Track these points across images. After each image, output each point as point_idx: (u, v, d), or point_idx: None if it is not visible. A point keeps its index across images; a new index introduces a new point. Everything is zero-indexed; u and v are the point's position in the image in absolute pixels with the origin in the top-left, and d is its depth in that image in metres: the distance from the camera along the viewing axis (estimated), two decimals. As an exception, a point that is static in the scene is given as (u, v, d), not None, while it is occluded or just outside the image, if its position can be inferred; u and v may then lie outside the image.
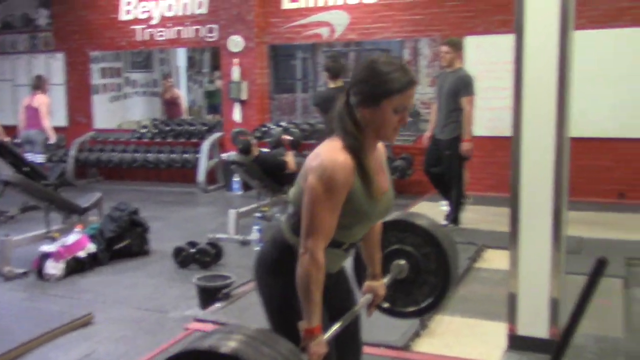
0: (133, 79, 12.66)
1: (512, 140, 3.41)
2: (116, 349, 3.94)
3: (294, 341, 2.07)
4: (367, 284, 2.43)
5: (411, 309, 2.78)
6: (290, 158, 7.00)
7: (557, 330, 3.43)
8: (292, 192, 2.16)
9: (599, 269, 1.66)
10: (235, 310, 4.32)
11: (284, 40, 9.35)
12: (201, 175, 9.21)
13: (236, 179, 9.05)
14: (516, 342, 3.51)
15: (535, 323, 3.45)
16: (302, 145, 7.77)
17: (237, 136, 7.24)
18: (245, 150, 6.78)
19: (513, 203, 3.42)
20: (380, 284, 2.43)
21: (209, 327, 4.04)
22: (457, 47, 6.36)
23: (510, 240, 3.45)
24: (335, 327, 2.13)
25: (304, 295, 1.98)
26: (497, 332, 3.74)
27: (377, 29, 8.70)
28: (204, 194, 9.23)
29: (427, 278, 2.73)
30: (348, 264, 2.54)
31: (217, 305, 4.42)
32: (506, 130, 7.69)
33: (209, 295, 4.55)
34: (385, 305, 2.67)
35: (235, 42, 9.24)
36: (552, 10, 3.23)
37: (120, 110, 11.71)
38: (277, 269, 2.15)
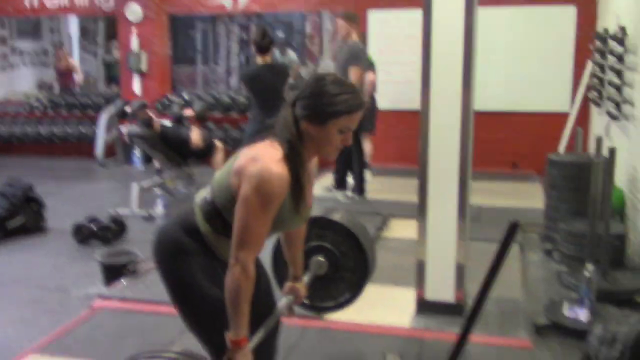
0: (20, 48, 11.93)
1: (420, 113, 3.50)
2: (15, 331, 3.75)
3: (204, 326, 2.07)
4: (289, 285, 2.42)
5: (329, 304, 2.86)
6: (195, 133, 6.85)
7: (462, 294, 3.60)
8: (216, 180, 2.10)
9: (511, 232, 1.74)
10: (141, 287, 4.21)
11: (186, 10, 9.10)
12: (99, 149, 8.78)
13: (136, 152, 8.77)
14: (424, 307, 3.65)
15: (442, 288, 3.60)
16: (208, 117, 7.62)
17: (139, 109, 6.99)
18: (148, 123, 6.58)
19: (421, 174, 3.52)
20: (302, 285, 2.44)
21: (115, 304, 3.94)
22: (352, 21, 6.40)
23: (418, 209, 3.56)
24: (259, 334, 2.12)
25: (232, 306, 1.94)
26: (405, 298, 3.86)
27: (281, 1, 8.62)
28: (102, 168, 8.85)
29: (344, 275, 2.82)
30: (267, 263, 2.56)
31: (122, 282, 4.29)
32: (409, 104, 8.00)
33: (113, 272, 4.41)
34: (304, 300, 2.68)
35: (134, 11, 8.88)
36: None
37: (6, 81, 11.01)
38: (182, 252, 2.10)
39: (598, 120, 6.80)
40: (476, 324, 1.95)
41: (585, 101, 7.47)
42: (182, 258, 2.09)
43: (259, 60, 5.72)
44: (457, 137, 3.42)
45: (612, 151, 3.79)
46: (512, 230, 1.74)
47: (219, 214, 2.06)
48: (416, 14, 7.93)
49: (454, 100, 3.40)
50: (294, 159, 1.96)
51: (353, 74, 6.05)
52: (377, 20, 8.12)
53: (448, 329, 3.51)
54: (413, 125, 7.97)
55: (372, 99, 7.07)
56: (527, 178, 7.39)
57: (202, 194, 2.15)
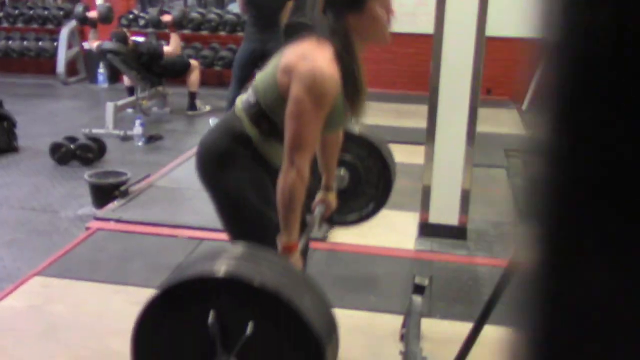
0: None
1: (433, 38, 3.42)
2: (10, 254, 3.65)
3: (256, 238, 2.02)
4: (320, 195, 2.36)
5: (352, 217, 2.82)
6: (173, 40, 6.59)
7: (465, 218, 3.66)
8: (260, 79, 2.01)
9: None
10: (135, 207, 4.13)
11: None
12: (61, 65, 8.44)
13: (101, 70, 8.43)
14: (427, 230, 3.70)
15: (447, 212, 3.64)
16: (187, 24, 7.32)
17: (109, 13, 6.63)
18: (122, 39, 6.30)
19: (432, 100, 3.49)
20: (333, 196, 2.38)
21: (111, 225, 3.86)
22: None
23: (427, 134, 3.55)
24: (302, 241, 2.08)
25: (286, 210, 1.88)
26: (406, 221, 3.91)
27: None
28: (64, 86, 8.50)
29: (366, 189, 2.78)
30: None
31: (115, 203, 4.19)
32: (407, 26, 7.86)
33: (103, 193, 4.30)
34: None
35: None
36: None
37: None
38: (230, 161, 2.03)
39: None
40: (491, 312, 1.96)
41: (563, 27, 7.49)
42: (231, 169, 2.02)
43: None
44: (470, 63, 3.38)
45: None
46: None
47: (266, 115, 1.98)
48: None
49: (469, 25, 3.33)
50: (347, 56, 1.87)
51: None
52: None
53: (453, 251, 3.59)
54: (389, 49, 7.95)
55: None
56: (501, 104, 7.46)
57: (245, 97, 2.06)
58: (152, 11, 6.77)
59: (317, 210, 2.33)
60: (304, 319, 1.50)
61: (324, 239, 3.64)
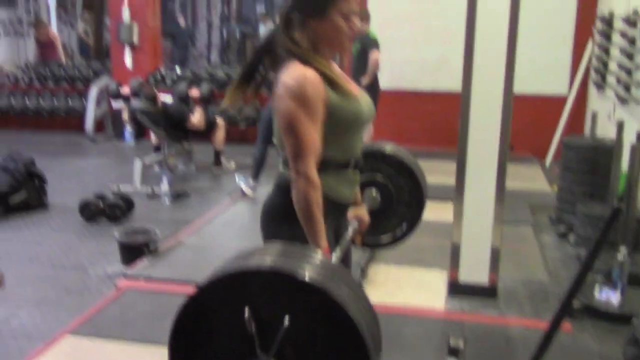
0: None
1: (461, 95, 3.47)
2: (41, 312, 3.66)
3: None
4: (352, 212, 2.32)
5: (386, 239, 2.74)
6: (198, 115, 6.73)
7: (496, 277, 3.63)
8: (276, 137, 2.07)
9: (613, 217, 1.74)
10: (164, 265, 4.15)
11: (179, -19, 8.86)
12: (89, 123, 8.65)
13: (128, 128, 8.60)
14: (457, 289, 3.67)
15: (477, 270, 3.62)
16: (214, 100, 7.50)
17: (141, 88, 6.87)
18: (151, 98, 6.45)
19: (460, 157, 3.52)
20: (364, 211, 2.36)
21: (141, 284, 3.88)
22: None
23: (456, 191, 3.56)
24: (338, 254, 2.08)
25: (306, 218, 1.89)
26: (434, 280, 3.89)
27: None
28: (92, 143, 8.69)
29: (398, 209, 2.70)
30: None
31: (144, 260, 4.22)
32: (406, 84, 7.99)
33: (132, 251, 4.33)
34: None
35: (125, -19, 8.63)
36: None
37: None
38: (283, 216, 2.04)
39: (599, 104, 6.87)
40: (565, 312, 1.96)
41: (584, 84, 7.55)
42: (282, 223, 2.04)
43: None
44: (498, 120, 3.43)
45: (641, 136, 3.83)
46: (615, 215, 1.74)
47: None
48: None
49: (497, 82, 3.39)
50: (311, 60, 1.92)
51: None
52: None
53: (483, 311, 3.55)
54: (412, 106, 8.05)
55: (375, 79, 7.04)
56: (524, 160, 7.45)
57: (281, 157, 2.11)
58: (181, 86, 6.96)
59: (351, 226, 2.32)
60: (351, 319, 1.44)
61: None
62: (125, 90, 6.86)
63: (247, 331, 1.50)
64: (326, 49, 1.98)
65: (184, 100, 6.88)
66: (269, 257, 1.57)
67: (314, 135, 1.89)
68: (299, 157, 1.88)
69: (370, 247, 2.81)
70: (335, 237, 2.06)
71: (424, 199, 2.72)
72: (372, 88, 7.00)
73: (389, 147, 2.65)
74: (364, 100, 2.07)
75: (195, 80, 8.21)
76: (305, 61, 1.92)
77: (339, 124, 1.96)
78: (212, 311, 1.56)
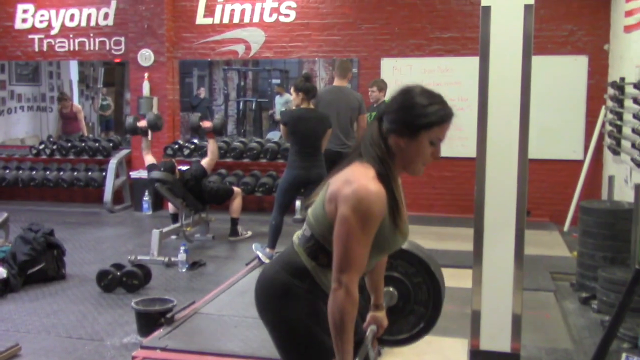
0: (18, 92, 11.90)
1: (476, 161, 3.50)
2: (57, 383, 3.62)
3: None
4: (371, 314, 2.36)
5: (403, 336, 2.76)
6: (211, 145, 6.81)
7: (518, 344, 3.55)
8: (311, 213, 2.08)
9: (637, 278, 1.72)
10: (182, 335, 4.11)
11: (197, 56, 9.19)
12: (108, 194, 8.76)
13: (146, 198, 8.70)
14: (479, 357, 3.58)
15: (498, 338, 3.54)
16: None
17: (157, 120, 6.89)
18: (170, 169, 6.55)
19: (477, 222, 3.50)
20: (383, 315, 2.38)
21: (158, 354, 3.84)
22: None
23: (475, 258, 3.53)
24: None
25: (339, 332, 1.90)
26: (455, 348, 3.81)
27: (294, 48, 8.74)
28: (110, 214, 8.78)
29: (415, 307, 2.74)
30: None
31: (161, 330, 4.18)
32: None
33: (149, 321, 4.31)
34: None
35: (146, 56, 8.92)
36: (515, 35, 3.36)
37: (4, 126, 10.94)
38: (290, 296, 2.06)
39: (614, 168, 6.87)
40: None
41: (599, 149, 7.57)
42: (291, 302, 2.05)
43: (302, 105, 5.75)
44: (514, 185, 3.43)
45: (660, 199, 3.81)
46: (637, 277, 1.72)
47: (322, 247, 2.02)
48: (427, 62, 8.14)
49: (511, 148, 3.41)
50: (386, 175, 1.94)
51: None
52: (389, 67, 8.22)
53: (506, 379, 3.46)
54: (428, 173, 8.08)
55: None
56: (540, 226, 7.40)
57: (300, 232, 2.13)
58: (193, 117, 7.05)
59: (370, 329, 2.32)
60: None
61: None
62: (142, 123, 6.84)
63: None
64: (400, 164, 2.00)
65: (196, 131, 6.98)
66: None
67: (364, 252, 1.91)
68: (344, 270, 1.89)
69: (387, 344, 2.80)
70: (314, 315, 2.05)
71: (441, 298, 2.74)
72: None
73: (406, 244, 2.67)
74: (404, 235, 2.08)
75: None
76: (383, 171, 1.93)
77: (373, 244, 1.96)
78: None
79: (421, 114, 1.93)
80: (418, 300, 2.72)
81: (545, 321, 4.39)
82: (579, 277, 5.01)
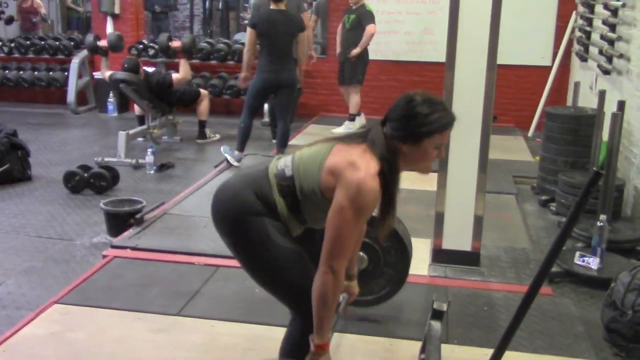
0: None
1: (445, 65, 3.50)
2: (28, 281, 3.68)
3: (280, 280, 2.13)
4: (345, 284, 2.39)
5: (368, 297, 2.94)
6: (182, 67, 6.68)
7: (479, 244, 3.70)
8: (302, 160, 2.09)
9: (595, 180, 1.78)
10: (151, 235, 4.17)
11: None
12: (71, 95, 8.55)
13: (111, 99, 8.54)
14: (441, 256, 3.74)
15: (460, 238, 3.68)
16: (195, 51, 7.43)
17: (119, 41, 6.76)
18: (134, 68, 6.40)
19: (444, 125, 3.54)
20: (355, 284, 2.47)
21: (128, 253, 3.91)
22: None
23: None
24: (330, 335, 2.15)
25: (321, 311, 1.98)
26: (419, 248, 3.89)
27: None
28: (74, 115, 8.61)
29: (385, 270, 2.91)
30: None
31: (131, 231, 4.23)
32: (390, 54, 7.99)
33: (118, 221, 4.35)
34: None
35: (106, -51, 8.49)
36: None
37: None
38: (254, 213, 2.09)
39: (581, 74, 6.93)
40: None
41: (567, 55, 7.60)
42: (254, 218, 2.09)
43: (272, 6, 5.57)
44: (481, 91, 3.46)
45: (622, 104, 3.88)
46: (595, 178, 1.78)
47: (295, 193, 2.08)
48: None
49: (481, 52, 3.41)
50: (390, 176, 1.99)
51: None
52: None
53: (466, 277, 3.62)
54: (396, 77, 8.05)
55: (365, 51, 7.09)
56: (507, 131, 7.51)
57: (281, 164, 2.14)
58: (162, 37, 6.87)
59: (342, 298, 2.41)
60: None
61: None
62: (103, 43, 6.72)
63: None
64: (406, 165, 2.05)
65: (165, 52, 6.83)
66: None
67: (353, 240, 2.00)
68: (335, 256, 1.96)
69: (357, 305, 2.92)
70: (277, 228, 2.13)
71: (409, 257, 2.92)
72: (361, 61, 7.10)
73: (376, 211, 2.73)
74: (392, 222, 2.11)
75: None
76: (389, 166, 1.97)
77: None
78: None
79: (423, 123, 1.97)
80: (387, 263, 2.89)
81: (505, 222, 4.55)
82: (540, 180, 5.16)
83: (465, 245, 3.68)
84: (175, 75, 6.67)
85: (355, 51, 6.94)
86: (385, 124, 2.04)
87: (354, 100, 7.27)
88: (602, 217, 3.58)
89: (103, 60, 6.75)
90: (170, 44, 6.77)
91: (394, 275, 2.94)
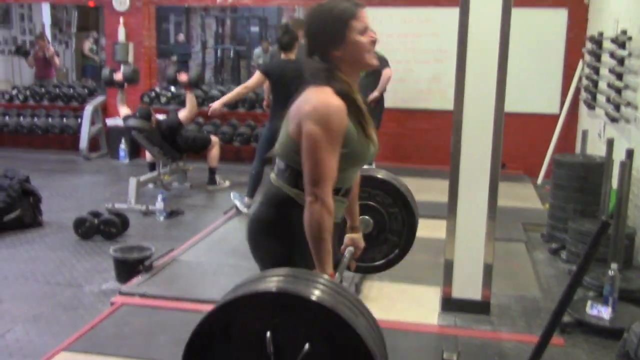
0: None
1: (454, 113, 3.54)
2: (36, 327, 3.67)
3: None
4: (348, 236, 2.41)
5: (378, 263, 2.80)
6: (188, 100, 6.73)
7: (489, 292, 3.67)
8: (278, 144, 2.12)
9: (603, 229, 1.79)
10: (160, 282, 4.17)
11: (174, 1, 9.02)
12: (84, 141, 8.67)
13: (123, 146, 8.64)
14: (450, 304, 3.70)
15: (470, 286, 3.66)
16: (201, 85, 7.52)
17: (134, 74, 6.85)
18: (146, 116, 6.50)
19: (453, 174, 3.57)
20: (360, 236, 2.43)
21: (136, 300, 3.89)
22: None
23: (449, 209, 3.61)
24: (338, 277, 2.12)
25: (317, 243, 1.94)
26: (428, 296, 3.92)
27: (273, -5, 8.57)
28: (86, 161, 8.71)
29: (389, 237, 2.77)
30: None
31: (140, 277, 4.23)
32: (399, 102, 8.06)
33: (127, 268, 4.35)
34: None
35: (121, 1, 8.71)
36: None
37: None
38: (277, 229, 2.09)
39: (589, 122, 6.96)
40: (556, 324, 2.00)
41: (575, 103, 7.65)
42: (277, 237, 2.09)
43: (282, 56, 5.69)
44: (489, 138, 3.48)
45: (631, 152, 3.89)
46: (603, 228, 1.78)
47: (298, 171, 2.04)
48: (407, 12, 8.06)
49: (488, 100, 3.45)
50: (344, 90, 1.99)
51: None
52: (370, 17, 8.10)
53: (476, 326, 3.58)
54: (403, 124, 8.11)
55: (382, 97, 7.29)
56: (516, 179, 7.51)
57: (275, 168, 2.16)
58: (170, 70, 6.99)
59: (347, 251, 2.38)
60: (362, 339, 1.49)
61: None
62: (119, 76, 6.80)
63: (264, 353, 1.53)
64: (353, 73, 2.06)
65: (173, 84, 6.92)
66: (284, 279, 1.62)
67: (333, 162, 1.95)
68: (317, 182, 1.93)
69: (364, 271, 2.84)
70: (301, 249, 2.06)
71: (415, 226, 2.79)
72: (378, 106, 7.25)
73: (382, 174, 2.71)
74: (374, 142, 2.11)
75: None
76: (338, 86, 1.98)
77: (345, 157, 2.01)
78: (228, 330, 1.58)
79: (334, 18, 2.01)
80: (392, 229, 2.76)
81: (515, 270, 4.52)
82: (549, 228, 5.14)
83: (475, 293, 3.65)
84: (181, 114, 6.72)
85: (374, 95, 7.13)
86: (312, 50, 2.06)
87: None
88: (613, 265, 3.55)
89: (119, 93, 6.82)
90: (177, 76, 6.85)
91: (398, 243, 2.78)
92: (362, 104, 2.05)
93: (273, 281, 1.60)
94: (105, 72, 6.97)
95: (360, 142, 2.03)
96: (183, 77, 6.80)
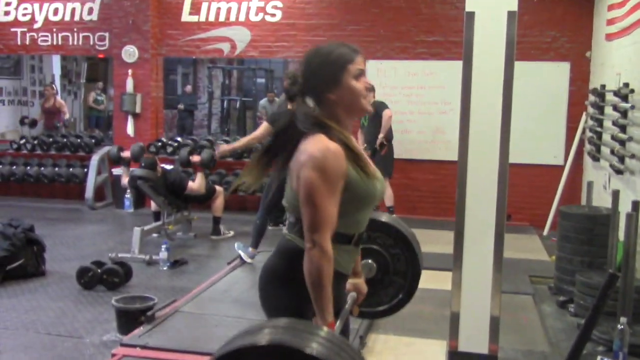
0: (-1, 85, 11.87)
1: (458, 164, 3.54)
2: (35, 380, 3.61)
3: None
4: (350, 282, 2.36)
5: (382, 308, 2.74)
6: (198, 179, 6.81)
7: (496, 346, 3.60)
8: (286, 200, 2.11)
9: (610, 282, 1.76)
10: (162, 333, 4.10)
11: (182, 53, 9.14)
12: (89, 191, 8.69)
13: (128, 195, 8.65)
14: (457, 358, 3.62)
15: (476, 340, 3.58)
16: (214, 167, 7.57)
17: (142, 152, 7.00)
18: (152, 166, 6.54)
19: (458, 225, 3.54)
20: (362, 282, 2.40)
21: (137, 352, 3.83)
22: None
23: (455, 261, 3.57)
24: (339, 325, 2.06)
25: (317, 290, 1.91)
26: (433, 350, 3.85)
27: (279, 48, 8.72)
28: (91, 210, 8.71)
29: (394, 279, 2.72)
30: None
31: (141, 328, 4.17)
32: (403, 153, 8.09)
33: (129, 319, 4.30)
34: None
35: (130, 53, 8.88)
36: (499, 40, 3.40)
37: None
38: (288, 280, 2.06)
39: (593, 173, 6.96)
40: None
41: (579, 154, 7.66)
42: (287, 288, 2.06)
43: (290, 107, 5.74)
44: (495, 189, 3.47)
45: (637, 204, 3.87)
46: (611, 281, 1.76)
47: None
48: (411, 65, 8.18)
49: (493, 152, 3.46)
50: (338, 135, 1.98)
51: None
52: (374, 69, 8.23)
53: (484, 381, 3.50)
54: (408, 174, 8.13)
55: (390, 145, 7.44)
56: (521, 230, 7.47)
57: (286, 222, 2.15)
58: (183, 152, 7.11)
59: (350, 296, 2.33)
60: None
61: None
62: (126, 154, 7.00)
63: None
64: (347, 118, 2.07)
65: (186, 165, 6.99)
66: (277, 331, 1.60)
67: (331, 208, 1.94)
68: (315, 229, 1.91)
69: (368, 317, 2.79)
70: (334, 306, 2.06)
71: (420, 269, 2.73)
72: (389, 154, 7.33)
73: (385, 217, 2.69)
74: (379, 178, 2.12)
75: (196, 148, 8.30)
76: (330, 132, 1.98)
77: (351, 200, 2.00)
78: None
79: (330, 61, 2.03)
80: (396, 271, 2.71)
81: (523, 324, 4.45)
82: (557, 280, 5.08)
83: (482, 347, 3.57)
84: (190, 184, 6.78)
85: (380, 136, 7.26)
86: (303, 98, 2.06)
87: (388, 192, 7.45)
88: (623, 319, 3.48)
89: (124, 168, 6.98)
90: (190, 157, 6.98)
91: (403, 284, 2.70)
92: (356, 144, 2.06)
93: (269, 333, 1.58)
94: (114, 150, 7.26)
95: (364, 181, 2.02)
96: (196, 158, 6.94)
